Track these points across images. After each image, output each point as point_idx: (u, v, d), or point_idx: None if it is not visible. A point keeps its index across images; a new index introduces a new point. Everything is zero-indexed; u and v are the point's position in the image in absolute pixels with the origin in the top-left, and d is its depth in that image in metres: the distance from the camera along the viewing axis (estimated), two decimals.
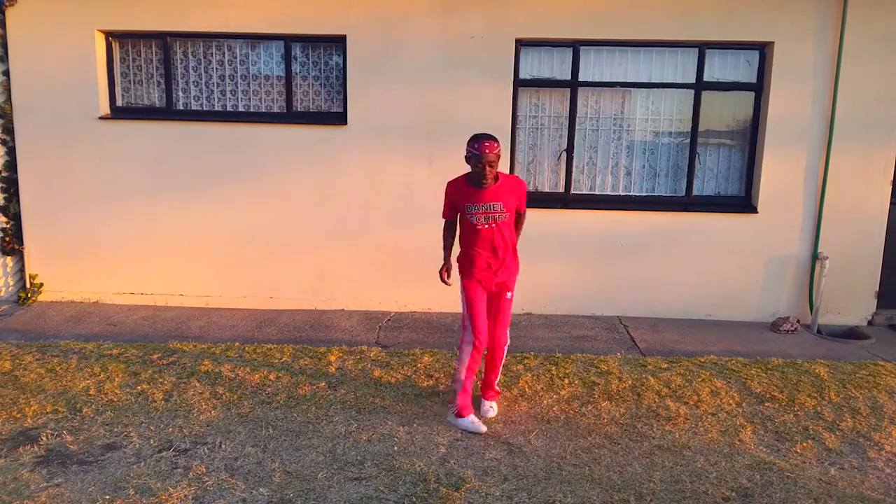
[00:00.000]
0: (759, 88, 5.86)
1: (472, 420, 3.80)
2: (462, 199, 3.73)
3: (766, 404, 4.19)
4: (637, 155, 6.08)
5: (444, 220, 3.95)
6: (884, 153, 5.75)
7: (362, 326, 5.67)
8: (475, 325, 3.79)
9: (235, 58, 6.00)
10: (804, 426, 3.92)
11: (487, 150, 3.56)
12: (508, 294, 3.89)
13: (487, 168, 3.59)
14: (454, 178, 3.82)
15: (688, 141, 5.98)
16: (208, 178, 5.97)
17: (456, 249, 3.96)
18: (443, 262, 4.02)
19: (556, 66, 5.92)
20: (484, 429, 3.77)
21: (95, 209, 6.01)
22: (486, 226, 3.72)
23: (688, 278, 5.99)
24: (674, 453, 3.57)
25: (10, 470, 3.29)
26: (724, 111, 6.00)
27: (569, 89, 5.92)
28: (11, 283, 6.16)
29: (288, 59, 5.92)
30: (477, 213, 3.71)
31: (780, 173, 5.83)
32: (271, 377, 4.46)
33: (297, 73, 5.98)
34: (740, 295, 6.00)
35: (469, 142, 3.64)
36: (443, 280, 3.99)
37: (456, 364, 3.87)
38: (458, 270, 3.93)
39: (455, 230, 3.93)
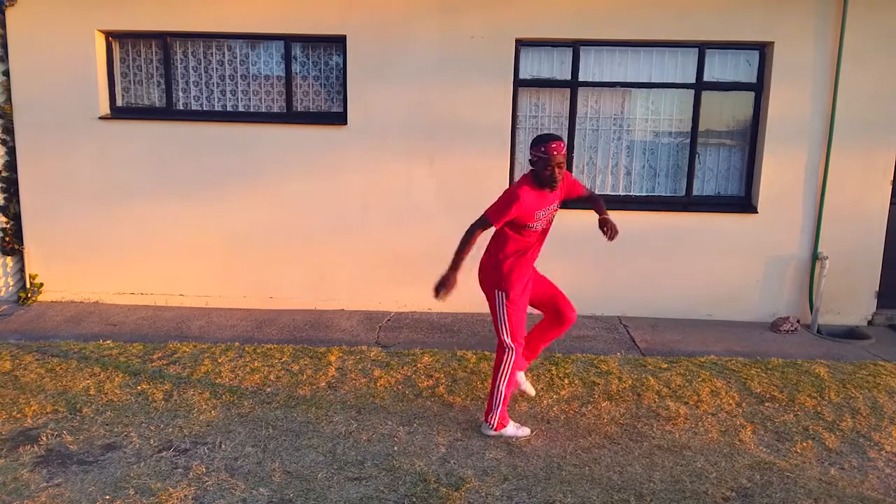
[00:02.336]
0: (759, 88, 5.86)
1: (515, 427, 3.74)
2: (537, 205, 3.48)
3: (766, 404, 4.19)
4: (637, 155, 6.08)
5: (491, 226, 3.50)
6: (884, 153, 5.75)
7: (362, 326, 5.67)
8: (518, 331, 3.64)
9: (235, 58, 6.00)
10: (804, 426, 3.92)
11: (555, 152, 3.37)
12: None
13: (557, 170, 3.41)
14: (520, 185, 3.48)
15: (688, 141, 5.98)
16: (208, 178, 5.97)
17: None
18: (450, 270, 3.48)
19: (556, 66, 5.92)
20: (528, 430, 3.75)
21: (95, 209, 6.02)
22: (544, 226, 3.61)
23: (688, 278, 5.99)
24: (674, 453, 3.56)
25: (10, 470, 3.28)
26: (724, 111, 6.00)
27: (569, 89, 5.92)
28: (11, 283, 6.17)
29: (288, 59, 5.92)
30: (545, 217, 3.56)
31: (780, 173, 5.83)
32: (271, 377, 4.46)
33: (297, 73, 5.98)
34: (740, 295, 6.00)
35: (535, 145, 3.43)
36: (438, 294, 3.48)
37: (497, 380, 3.64)
38: (491, 279, 3.63)
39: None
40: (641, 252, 5.95)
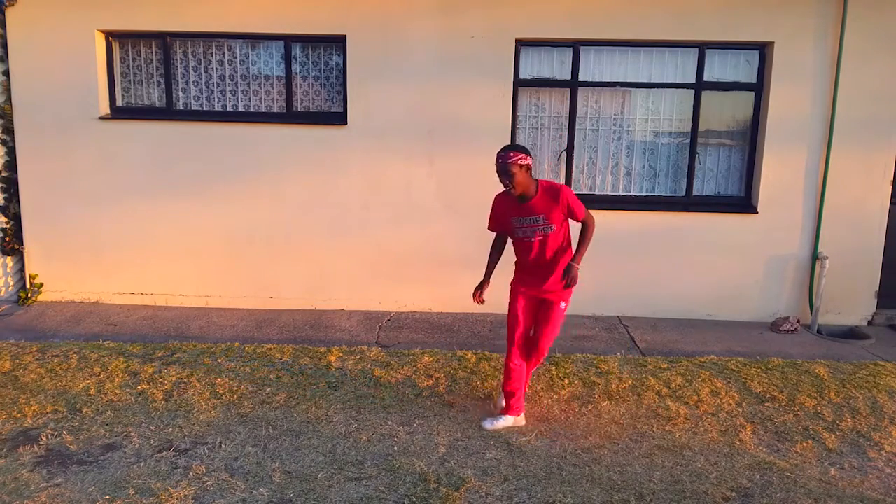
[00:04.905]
0: (759, 88, 5.86)
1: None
2: (509, 212, 3.70)
3: (766, 404, 4.19)
4: (637, 155, 6.08)
5: (490, 231, 3.93)
6: (884, 153, 5.75)
7: (362, 326, 5.67)
8: (508, 333, 3.88)
9: (235, 58, 6.00)
10: (804, 426, 3.92)
11: (498, 160, 3.54)
12: (562, 304, 3.77)
13: (503, 179, 3.54)
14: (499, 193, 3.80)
15: (688, 141, 5.98)
16: (208, 178, 5.97)
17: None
18: (482, 278, 3.93)
19: (556, 66, 5.92)
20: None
21: (95, 209, 6.02)
22: (531, 238, 3.69)
23: (688, 278, 5.99)
24: (674, 453, 3.57)
25: (10, 470, 3.29)
26: (724, 111, 6.00)
27: (569, 89, 5.92)
28: (11, 283, 6.17)
29: (288, 59, 5.92)
30: (525, 228, 3.67)
31: (780, 173, 5.83)
32: (271, 377, 4.46)
33: (297, 73, 5.98)
34: (740, 295, 6.00)
35: None
36: (475, 300, 3.88)
37: None
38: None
39: (501, 246, 3.93)
40: (641, 252, 5.95)
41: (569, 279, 3.62)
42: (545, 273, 3.74)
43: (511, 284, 3.89)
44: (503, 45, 5.73)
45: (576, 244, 3.74)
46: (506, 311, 3.89)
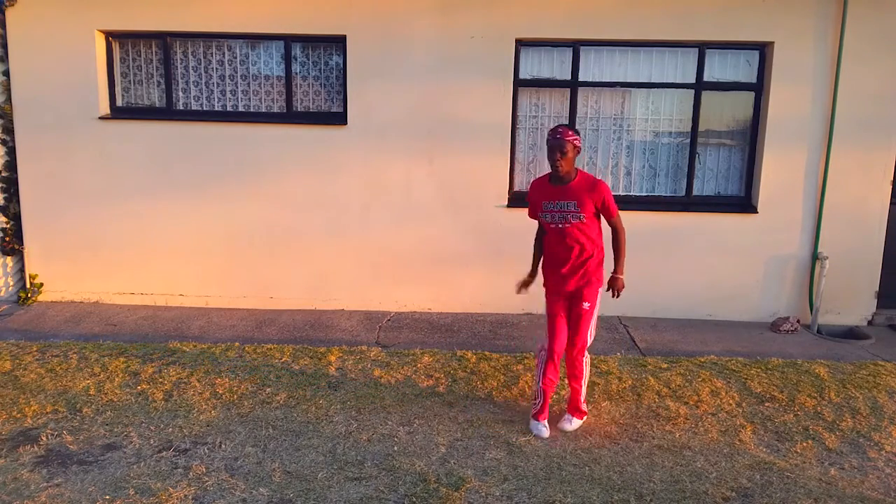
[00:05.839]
0: (759, 88, 5.86)
1: (537, 424, 3.80)
2: (542, 195, 3.75)
3: (766, 404, 4.19)
4: (637, 155, 6.08)
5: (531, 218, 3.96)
6: (884, 153, 5.75)
7: (362, 326, 5.67)
8: (547, 335, 3.81)
9: (235, 58, 6.00)
10: (804, 426, 3.92)
11: (551, 135, 3.61)
12: (585, 304, 3.76)
13: (549, 152, 3.60)
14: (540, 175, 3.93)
15: (688, 141, 5.98)
16: (208, 178, 5.97)
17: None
18: (529, 272, 3.99)
19: (556, 66, 5.92)
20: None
21: (95, 209, 6.02)
22: (558, 225, 3.71)
23: (688, 278, 5.99)
24: (674, 453, 3.57)
25: (10, 470, 3.29)
26: (724, 111, 6.00)
27: (569, 89, 5.92)
28: (11, 283, 6.17)
29: (288, 59, 5.92)
30: (554, 212, 3.69)
31: (780, 173, 5.83)
32: (271, 377, 4.46)
33: (297, 73, 5.98)
34: (740, 295, 6.00)
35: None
36: (518, 290, 3.96)
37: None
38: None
39: (542, 235, 3.91)
40: (641, 252, 5.93)
41: (614, 290, 3.81)
42: (571, 270, 3.74)
43: (545, 293, 3.88)
44: (503, 45, 5.73)
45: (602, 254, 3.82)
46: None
